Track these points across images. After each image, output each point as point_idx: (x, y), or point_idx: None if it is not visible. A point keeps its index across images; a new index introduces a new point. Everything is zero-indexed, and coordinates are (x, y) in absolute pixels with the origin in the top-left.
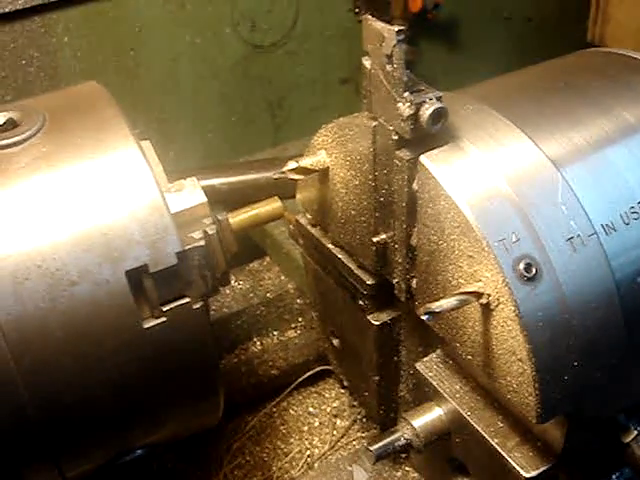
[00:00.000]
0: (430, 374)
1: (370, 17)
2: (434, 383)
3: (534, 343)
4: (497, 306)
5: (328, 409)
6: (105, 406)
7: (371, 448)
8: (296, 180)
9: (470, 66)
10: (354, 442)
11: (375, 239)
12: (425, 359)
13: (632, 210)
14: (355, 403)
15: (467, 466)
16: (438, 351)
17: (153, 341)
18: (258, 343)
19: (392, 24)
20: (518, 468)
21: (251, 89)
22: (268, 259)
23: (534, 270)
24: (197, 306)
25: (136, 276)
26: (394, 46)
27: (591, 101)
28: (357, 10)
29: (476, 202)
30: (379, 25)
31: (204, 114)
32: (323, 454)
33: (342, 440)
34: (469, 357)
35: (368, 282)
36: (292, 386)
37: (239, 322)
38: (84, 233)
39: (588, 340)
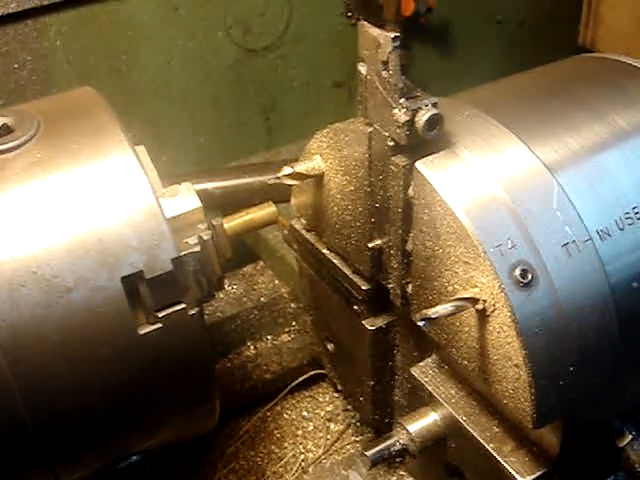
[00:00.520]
0: (425, 379)
1: (366, 23)
2: (429, 388)
3: (530, 349)
4: (493, 312)
5: (322, 413)
6: (101, 412)
7: (367, 453)
8: (291, 185)
9: (462, 69)
10: (348, 446)
11: (370, 244)
12: (420, 364)
13: (627, 216)
14: (349, 407)
15: (463, 471)
16: (433, 356)
17: (149, 347)
18: (252, 347)
19: (385, 28)
20: (514, 473)
21: (244, 93)
22: (262, 263)
23: (530, 276)
24: (193, 312)
25: (132, 282)
26: (390, 52)
27: (586, 107)
28: (350, 14)
29: (472, 208)
30: (375, 31)
31: (197, 118)
32: (317, 458)
33: (336, 444)
34: (465, 362)
35: (363, 287)
36: (286, 390)
37: (233, 326)
38: (79, 239)
39: (584, 345)
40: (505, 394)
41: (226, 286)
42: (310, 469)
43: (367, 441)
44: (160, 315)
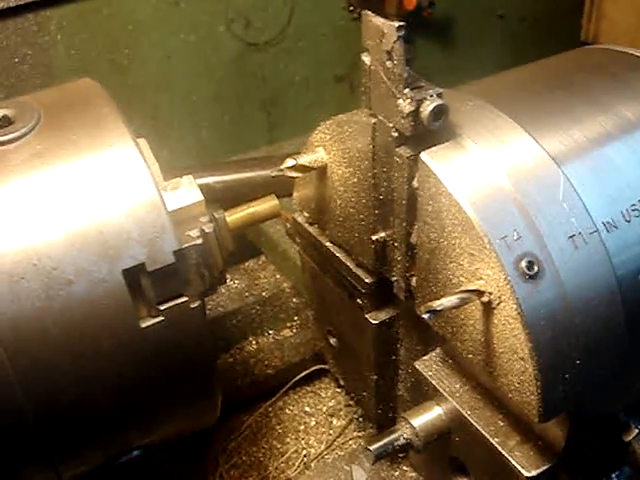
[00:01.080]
0: (429, 373)
1: (370, 13)
2: (434, 382)
3: (536, 341)
4: (499, 304)
5: (324, 408)
6: (102, 406)
7: (370, 448)
8: (294, 178)
9: (464, 64)
10: (350, 442)
11: (374, 237)
12: (424, 358)
13: (633, 207)
14: (351, 402)
15: (467, 465)
16: (438, 350)
17: (150, 340)
18: (254, 342)
19: None
20: (519, 467)
21: (245, 87)
22: (263, 258)
23: (536, 268)
24: (195, 305)
25: (133, 275)
26: (394, 42)
27: (591, 98)
28: (351, 8)
29: (477, 199)
30: (379, 21)
31: (198, 112)
32: (319, 454)
33: (338, 440)
34: (470, 356)
35: (366, 280)
36: (288, 385)
37: (234, 321)
38: (80, 231)
39: (590, 338)
40: (510, 387)
41: (228, 281)
42: (312, 465)
43: (370, 436)
44: (162, 308)
